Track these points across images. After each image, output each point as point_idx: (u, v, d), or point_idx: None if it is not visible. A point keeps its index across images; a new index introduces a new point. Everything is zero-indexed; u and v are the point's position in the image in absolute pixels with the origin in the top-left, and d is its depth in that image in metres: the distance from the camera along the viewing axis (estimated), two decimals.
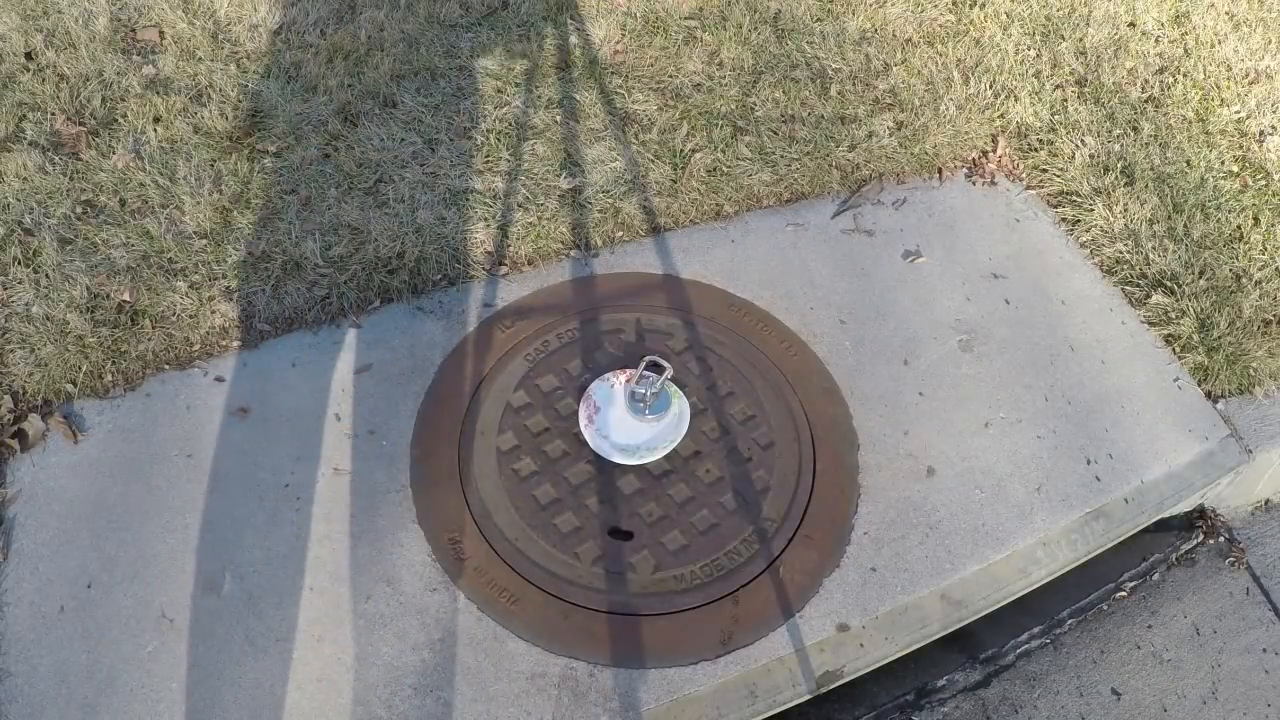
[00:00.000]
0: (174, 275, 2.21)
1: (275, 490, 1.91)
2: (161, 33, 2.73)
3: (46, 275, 2.17)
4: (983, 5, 3.07)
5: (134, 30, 2.75)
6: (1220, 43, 3.03)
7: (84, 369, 2.04)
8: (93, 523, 1.84)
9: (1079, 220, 2.55)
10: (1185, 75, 2.91)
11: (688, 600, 1.81)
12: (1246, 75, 2.94)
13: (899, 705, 1.97)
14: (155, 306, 2.15)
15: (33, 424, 1.95)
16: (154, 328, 2.12)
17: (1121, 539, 2.05)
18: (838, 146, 2.61)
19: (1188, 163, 2.66)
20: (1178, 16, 3.12)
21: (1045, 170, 2.66)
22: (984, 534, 1.96)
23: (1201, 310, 2.34)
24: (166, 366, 2.08)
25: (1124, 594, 2.17)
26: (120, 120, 2.49)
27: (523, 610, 1.78)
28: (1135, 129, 2.74)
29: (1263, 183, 2.65)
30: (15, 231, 2.24)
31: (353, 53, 2.72)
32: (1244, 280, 2.41)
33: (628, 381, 2.04)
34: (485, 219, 2.38)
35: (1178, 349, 2.30)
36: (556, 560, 1.84)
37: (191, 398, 2.03)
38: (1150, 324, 2.35)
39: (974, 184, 2.64)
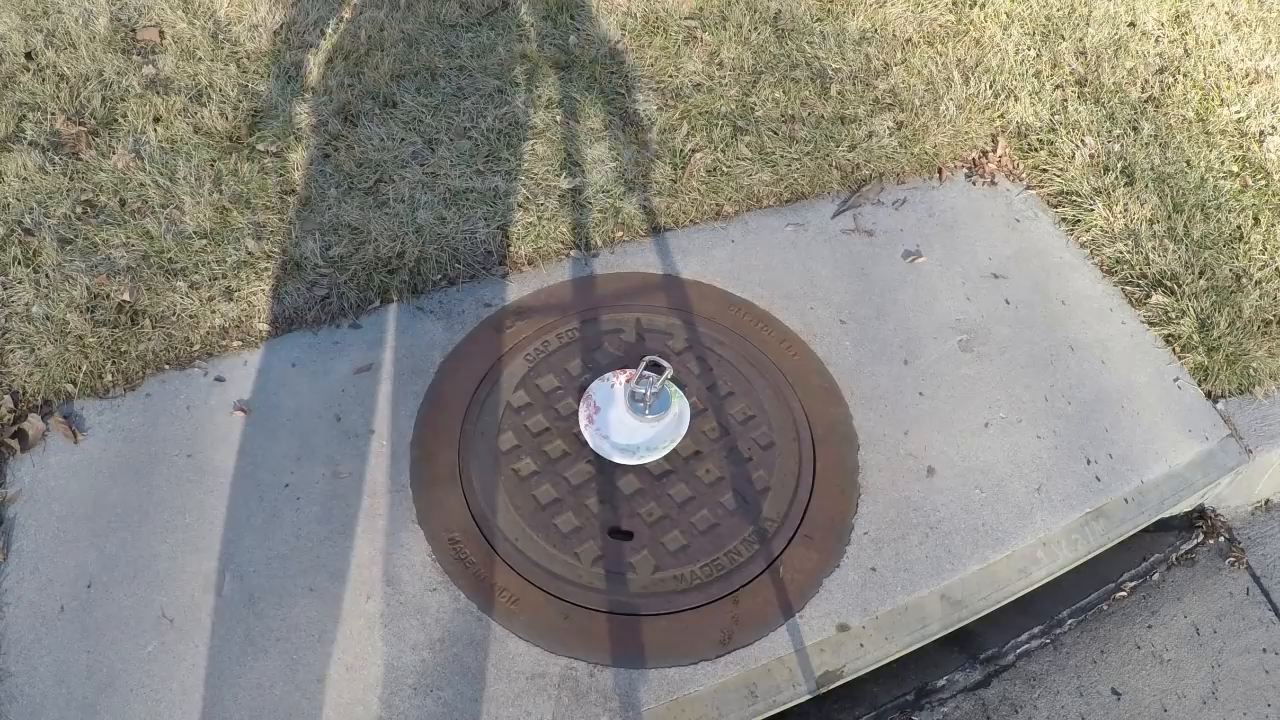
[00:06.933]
0: (174, 275, 2.21)
1: (275, 490, 1.91)
2: (161, 33, 2.73)
3: (46, 275, 2.17)
4: (983, 5, 3.08)
5: (134, 30, 2.75)
6: (1220, 43, 3.03)
7: (84, 369, 2.04)
8: (93, 523, 1.84)
9: (1079, 220, 2.55)
10: (1185, 75, 2.91)
11: (688, 600, 1.81)
12: (1246, 75, 2.94)
13: (899, 705, 1.97)
14: (155, 306, 2.15)
15: (33, 424, 1.95)
16: (154, 328, 2.12)
17: (1121, 539, 2.05)
18: (838, 146, 2.61)
19: (1188, 163, 2.66)
20: (1178, 16, 3.12)
21: (1045, 170, 2.66)
22: (984, 534, 1.96)
23: (1201, 310, 2.34)
24: (166, 366, 2.08)
25: (1124, 594, 2.17)
26: (120, 120, 2.50)
27: (523, 610, 1.78)
28: (1135, 129, 2.74)
29: (1263, 183, 2.65)
30: (15, 231, 2.24)
31: (353, 53, 2.72)
32: (1244, 280, 2.41)
33: (628, 381, 2.04)
34: (485, 219, 2.38)
35: (1178, 349, 2.30)
36: (557, 560, 1.84)
37: (191, 398, 2.04)
38: (1150, 324, 2.35)
39: (974, 184, 2.64)
